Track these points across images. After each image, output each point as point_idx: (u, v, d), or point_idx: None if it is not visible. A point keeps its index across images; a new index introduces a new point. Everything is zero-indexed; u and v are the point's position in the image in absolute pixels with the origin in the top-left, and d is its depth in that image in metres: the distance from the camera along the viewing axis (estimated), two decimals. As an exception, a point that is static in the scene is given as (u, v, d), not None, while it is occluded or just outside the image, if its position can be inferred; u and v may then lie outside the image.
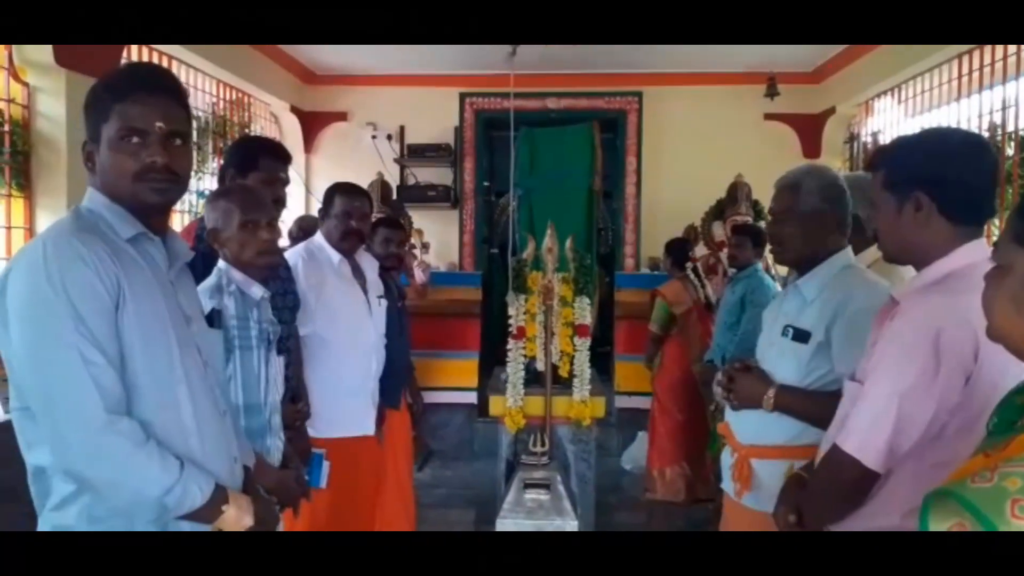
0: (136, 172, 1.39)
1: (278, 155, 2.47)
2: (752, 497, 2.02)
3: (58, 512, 1.35)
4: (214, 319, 1.89)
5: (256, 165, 2.38)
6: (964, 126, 4.42)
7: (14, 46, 3.31)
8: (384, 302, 3.04)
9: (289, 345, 2.50)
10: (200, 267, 2.09)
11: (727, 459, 2.14)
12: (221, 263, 2.06)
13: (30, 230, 3.40)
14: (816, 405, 1.88)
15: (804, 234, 2.00)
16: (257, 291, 2.05)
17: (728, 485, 2.11)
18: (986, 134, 4.16)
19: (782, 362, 1.99)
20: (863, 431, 1.42)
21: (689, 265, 4.89)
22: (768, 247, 2.28)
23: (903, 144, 1.56)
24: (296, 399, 2.50)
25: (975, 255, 1.43)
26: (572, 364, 3.91)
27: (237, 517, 1.43)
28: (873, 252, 2.30)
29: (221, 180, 2.49)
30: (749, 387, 2.01)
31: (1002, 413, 1.07)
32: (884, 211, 1.50)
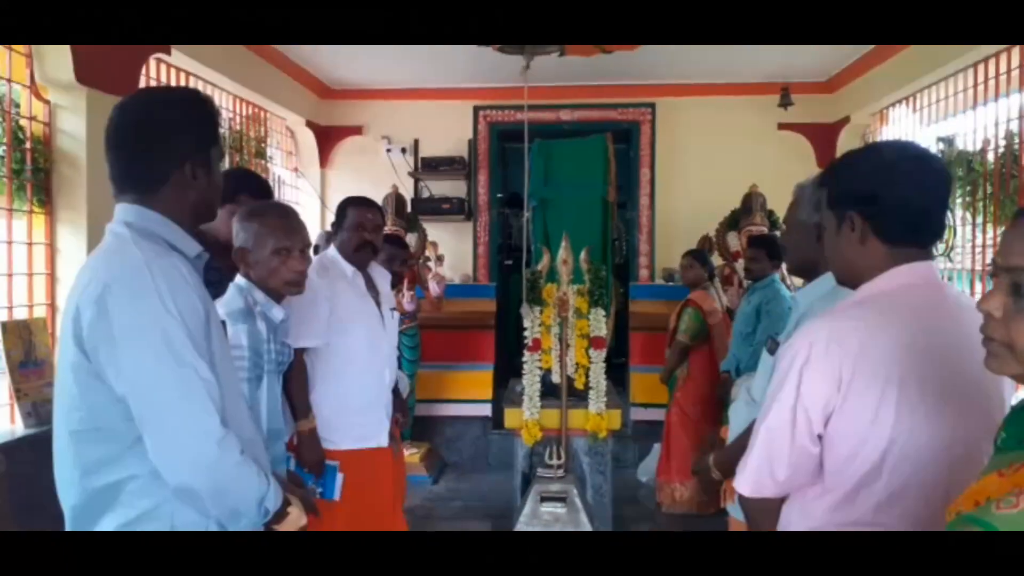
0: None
1: (260, 192, 2.44)
2: (734, 507, 2.05)
3: (131, 527, 1.38)
4: None
5: (234, 200, 2.28)
6: (980, 134, 4.39)
7: (36, 64, 3.37)
8: (396, 314, 3.06)
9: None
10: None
11: None
12: (242, 281, 2.03)
13: (51, 246, 3.44)
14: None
15: (797, 243, 2.02)
16: (278, 313, 2.03)
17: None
18: (1003, 143, 4.13)
19: (762, 374, 2.02)
20: (743, 462, 1.41)
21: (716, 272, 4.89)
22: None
23: (843, 161, 1.48)
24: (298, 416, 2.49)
25: (910, 277, 1.35)
26: (588, 376, 3.91)
27: (298, 516, 1.55)
28: None
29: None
30: (699, 464, 2.13)
31: (1009, 428, 1.04)
32: (827, 231, 1.44)
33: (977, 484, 0.97)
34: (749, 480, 1.39)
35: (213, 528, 1.41)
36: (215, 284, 2.05)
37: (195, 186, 1.46)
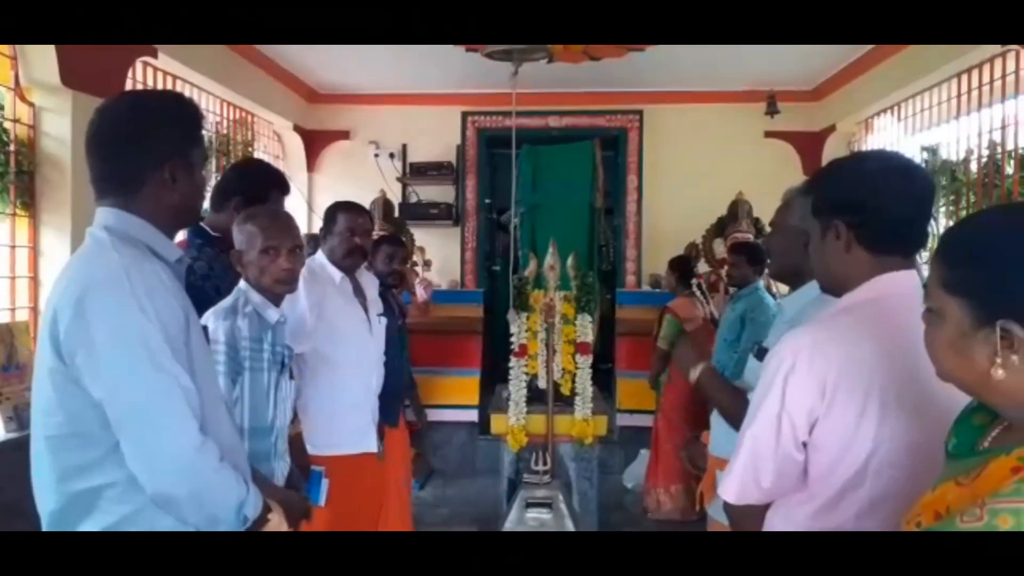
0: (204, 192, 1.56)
1: (285, 188, 2.49)
2: (714, 507, 2.07)
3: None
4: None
5: (267, 198, 2.37)
6: (963, 144, 4.44)
7: (20, 66, 3.34)
8: (384, 320, 3.05)
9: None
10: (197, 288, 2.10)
11: None
12: (242, 283, 2.08)
13: (34, 249, 3.42)
14: (729, 398, 1.94)
15: (786, 248, 2.02)
16: (273, 314, 2.06)
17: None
18: (986, 152, 4.18)
19: (747, 377, 2.05)
20: (728, 468, 1.42)
21: (695, 282, 4.91)
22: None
23: (829, 170, 1.48)
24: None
25: (892, 287, 1.36)
26: (574, 382, 3.92)
27: (278, 522, 1.53)
28: None
29: (220, 203, 2.42)
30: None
31: (960, 434, 1.07)
32: (812, 239, 1.45)
33: (933, 493, 0.98)
34: (734, 486, 1.39)
35: None
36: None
37: (175, 189, 1.45)
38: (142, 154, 1.42)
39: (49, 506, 1.39)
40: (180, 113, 1.49)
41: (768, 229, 3.23)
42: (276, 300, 2.09)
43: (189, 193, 1.48)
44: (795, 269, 2.01)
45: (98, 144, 1.45)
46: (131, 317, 1.31)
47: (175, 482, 1.33)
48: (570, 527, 3.55)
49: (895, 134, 5.43)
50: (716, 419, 2.19)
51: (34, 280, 3.42)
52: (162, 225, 1.46)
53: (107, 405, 1.32)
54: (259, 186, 2.42)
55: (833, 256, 1.39)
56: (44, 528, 1.42)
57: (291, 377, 2.18)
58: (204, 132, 1.55)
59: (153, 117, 1.45)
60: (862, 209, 1.35)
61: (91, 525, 1.36)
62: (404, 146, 6.61)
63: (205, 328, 1.81)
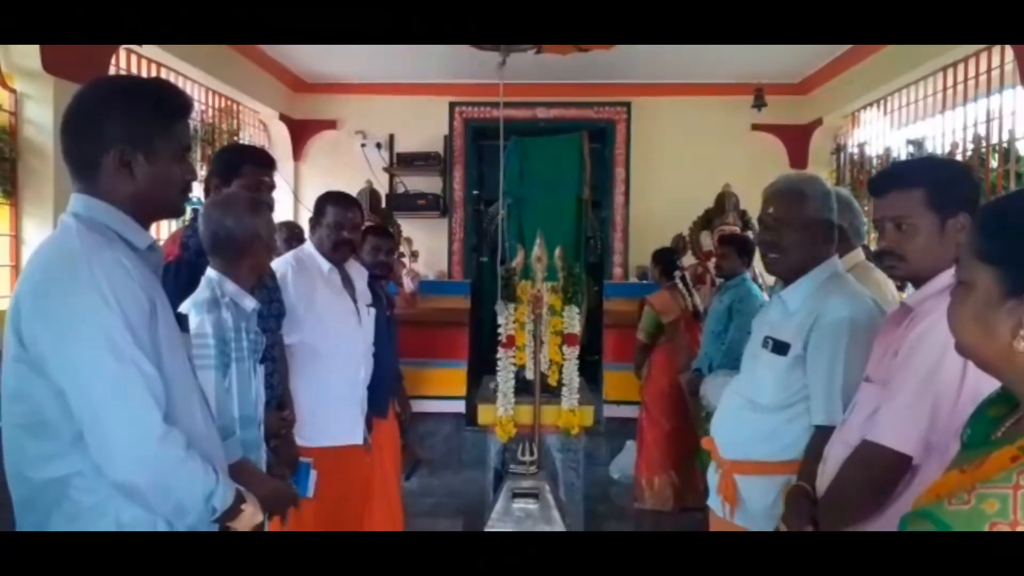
0: (185, 183, 1.48)
1: (260, 160, 2.47)
2: (741, 516, 2.01)
3: (77, 522, 1.35)
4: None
5: (239, 172, 2.37)
6: (949, 138, 4.47)
7: (1, 53, 3.29)
8: (373, 311, 3.04)
9: (274, 354, 2.49)
10: (184, 275, 2.08)
11: (712, 475, 2.14)
12: (212, 273, 2.03)
13: (16, 237, 3.37)
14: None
15: (804, 241, 1.99)
16: (249, 303, 2.04)
17: (715, 502, 2.10)
18: (971, 146, 4.21)
19: (762, 373, 2.00)
20: (899, 423, 1.52)
21: (678, 274, 4.91)
22: (760, 256, 2.24)
23: (943, 167, 1.70)
24: (281, 407, 2.49)
25: None
26: (561, 373, 3.92)
27: (252, 515, 1.49)
28: (853, 256, 2.37)
29: (206, 189, 2.49)
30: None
31: (976, 425, 1.07)
32: (924, 229, 1.59)
33: (941, 479, 0.99)
34: (918, 445, 1.49)
35: (161, 525, 1.37)
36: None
37: (131, 175, 1.39)
38: (92, 137, 1.39)
39: (18, 495, 1.38)
40: (141, 97, 1.44)
41: (755, 221, 3.22)
42: (249, 288, 2.07)
43: (151, 182, 1.41)
44: (811, 262, 1.99)
45: (62, 127, 1.43)
46: (91, 305, 1.28)
47: (136, 471, 1.31)
48: (556, 518, 3.56)
49: (881, 128, 5.46)
50: (720, 421, 2.16)
51: (15, 269, 3.38)
52: (131, 213, 1.41)
53: (69, 395, 1.30)
54: (228, 163, 2.42)
55: (949, 246, 1.56)
56: (16, 515, 1.40)
57: (261, 362, 2.17)
58: (180, 120, 1.48)
59: (107, 100, 1.41)
60: (978, 202, 1.60)
61: (58, 514, 1.34)
62: (391, 136, 6.58)
63: (179, 316, 1.79)
